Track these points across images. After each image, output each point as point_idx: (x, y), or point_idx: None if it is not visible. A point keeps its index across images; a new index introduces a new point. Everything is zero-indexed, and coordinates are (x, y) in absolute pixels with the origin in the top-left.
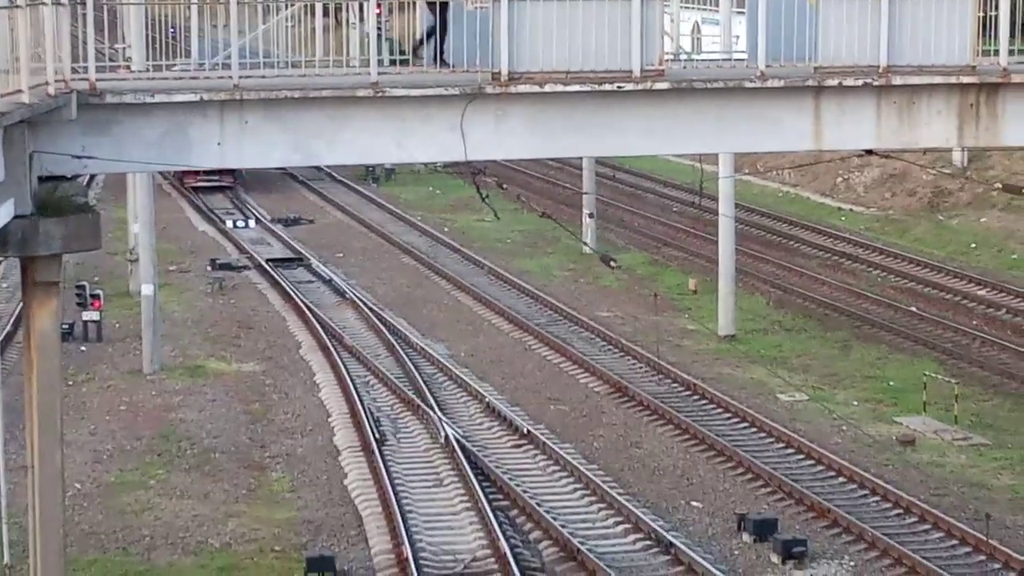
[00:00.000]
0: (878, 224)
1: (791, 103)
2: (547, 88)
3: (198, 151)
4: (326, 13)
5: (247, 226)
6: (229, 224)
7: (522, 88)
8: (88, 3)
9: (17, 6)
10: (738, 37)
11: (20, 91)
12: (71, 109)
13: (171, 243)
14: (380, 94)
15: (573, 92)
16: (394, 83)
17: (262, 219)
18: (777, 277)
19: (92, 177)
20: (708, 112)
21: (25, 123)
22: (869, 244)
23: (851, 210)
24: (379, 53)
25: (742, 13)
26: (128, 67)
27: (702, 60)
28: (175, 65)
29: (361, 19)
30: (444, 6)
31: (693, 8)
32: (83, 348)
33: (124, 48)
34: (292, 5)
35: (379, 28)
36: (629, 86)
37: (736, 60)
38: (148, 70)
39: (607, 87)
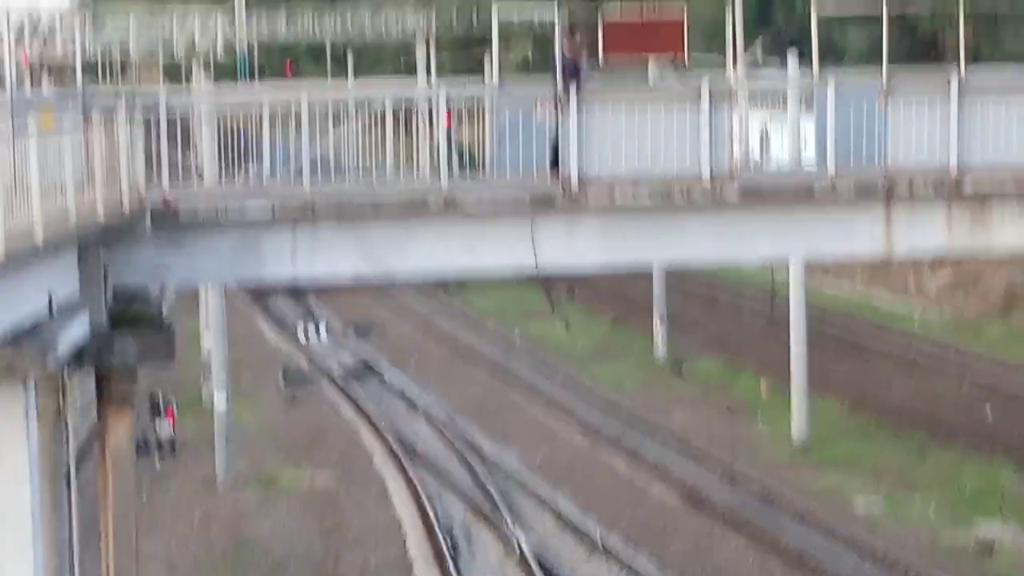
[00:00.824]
0: (951, 326)
1: (861, 209)
2: (618, 197)
3: (270, 264)
4: (396, 120)
5: (319, 336)
6: (300, 334)
7: (593, 197)
8: (162, 118)
9: (92, 122)
10: (806, 139)
11: (95, 207)
12: (145, 224)
13: (243, 352)
14: (451, 205)
15: (644, 203)
16: (465, 193)
17: (333, 328)
18: (850, 381)
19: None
20: (778, 218)
21: (100, 240)
22: (943, 346)
23: (924, 312)
24: (449, 162)
25: (812, 113)
26: (201, 177)
27: (770, 164)
28: (247, 175)
29: (431, 127)
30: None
31: (761, 109)
32: (156, 459)
33: (196, 160)
34: (363, 114)
35: (449, 137)
36: (699, 194)
37: (805, 164)
38: (220, 183)
39: (678, 196)
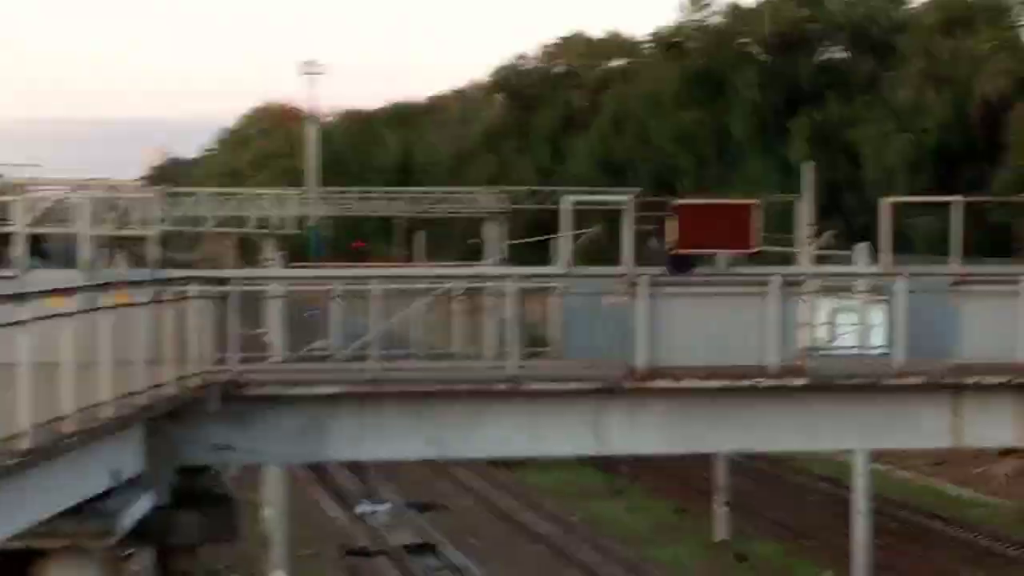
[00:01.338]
0: (1019, 516)
1: (929, 401)
2: (684, 383)
3: (335, 444)
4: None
5: (378, 512)
6: (360, 509)
7: (659, 383)
8: (232, 296)
9: (163, 301)
10: (875, 327)
11: (164, 384)
12: (214, 402)
13: (303, 527)
14: (517, 389)
15: (710, 388)
16: (531, 377)
17: (393, 502)
18: (915, 571)
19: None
20: (845, 408)
21: (168, 416)
22: (1009, 539)
23: (990, 502)
24: (517, 343)
25: (880, 302)
26: (268, 354)
27: (839, 353)
28: (315, 352)
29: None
30: None
31: (828, 295)
32: None
33: (264, 337)
34: (432, 293)
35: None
36: (767, 382)
37: (873, 352)
38: (287, 357)
39: (744, 383)
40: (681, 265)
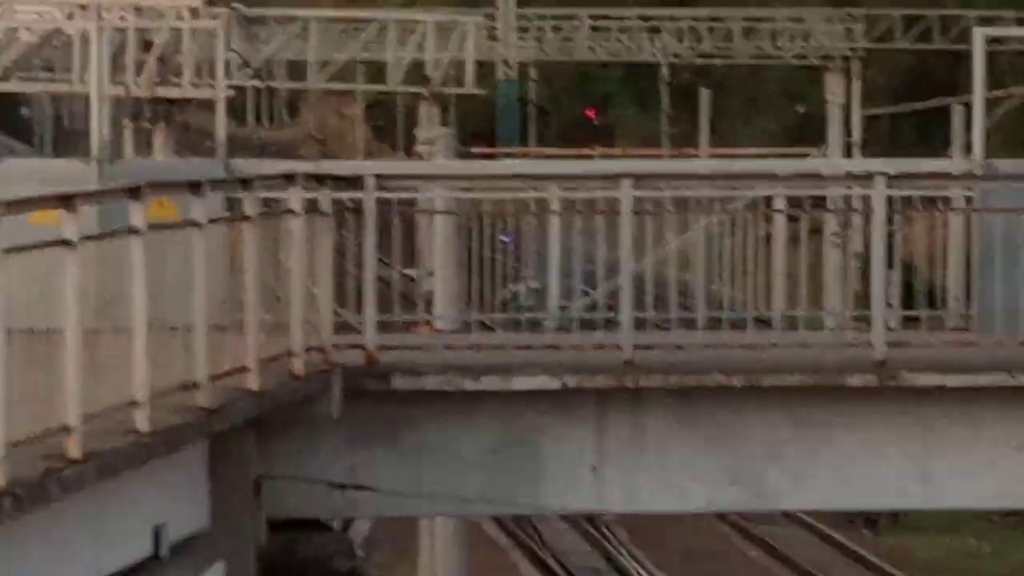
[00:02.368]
0: None
1: None
2: None
3: (556, 480)
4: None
5: None
6: None
7: None
8: (367, 208)
9: (242, 219)
10: None
11: (245, 369)
12: (332, 402)
13: None
14: (893, 383)
15: None
16: (914, 362)
17: None
18: None
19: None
20: None
21: (250, 428)
22: None
23: None
24: (883, 302)
25: None
26: (430, 324)
27: None
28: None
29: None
30: None
31: None
32: None
33: (422, 285)
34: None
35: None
36: None
37: None
38: (464, 325)
39: None
40: None
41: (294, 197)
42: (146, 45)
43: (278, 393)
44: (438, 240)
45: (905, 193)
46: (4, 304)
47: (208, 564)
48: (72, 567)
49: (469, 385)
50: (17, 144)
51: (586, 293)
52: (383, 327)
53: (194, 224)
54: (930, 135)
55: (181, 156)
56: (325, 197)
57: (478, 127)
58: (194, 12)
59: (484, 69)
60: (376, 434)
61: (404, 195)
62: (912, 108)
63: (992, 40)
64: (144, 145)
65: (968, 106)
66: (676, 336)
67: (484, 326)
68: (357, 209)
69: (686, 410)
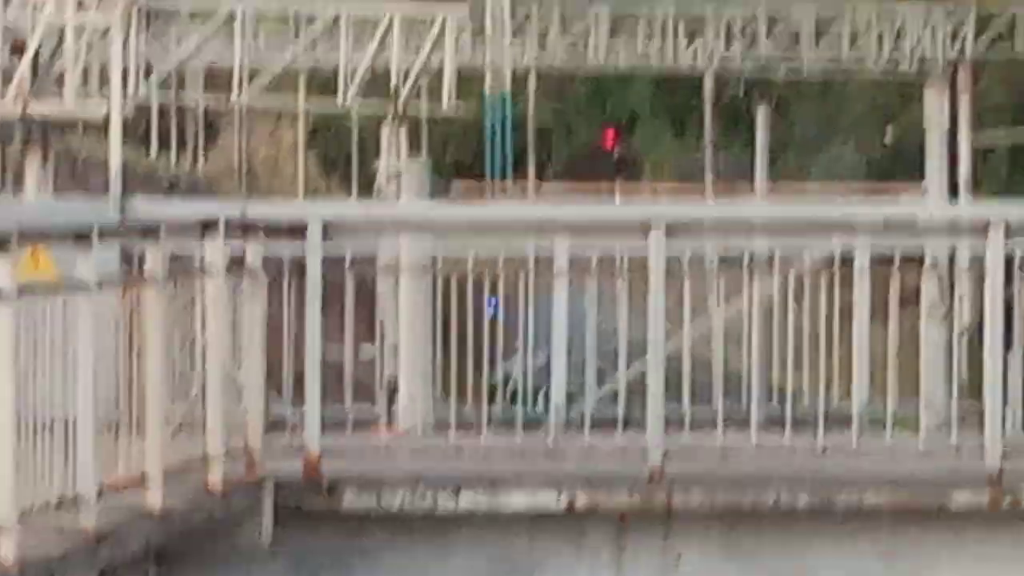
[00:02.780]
0: None
1: None
2: None
3: None
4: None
5: None
6: None
7: None
8: (311, 264)
9: (140, 282)
10: None
11: (146, 481)
12: (261, 526)
13: None
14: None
15: None
16: None
17: None
18: None
19: None
20: None
21: (153, 559)
22: None
23: None
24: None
25: None
26: (392, 422)
27: None
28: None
29: None
30: None
31: None
32: None
33: (381, 362)
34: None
35: None
36: None
37: None
38: (441, 423)
39: None
40: None
41: (213, 251)
42: (15, 47)
43: (189, 513)
44: (405, 309)
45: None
46: None
47: None
48: None
49: (445, 504)
50: None
51: (602, 381)
52: (331, 425)
53: (79, 286)
54: None
55: (62, 194)
56: (255, 251)
57: (460, 157)
58: (80, 3)
59: (469, 80)
60: (320, 568)
61: (360, 248)
62: None
63: None
64: (13, 179)
65: None
66: (721, 439)
67: (465, 424)
68: (298, 267)
69: (734, 539)
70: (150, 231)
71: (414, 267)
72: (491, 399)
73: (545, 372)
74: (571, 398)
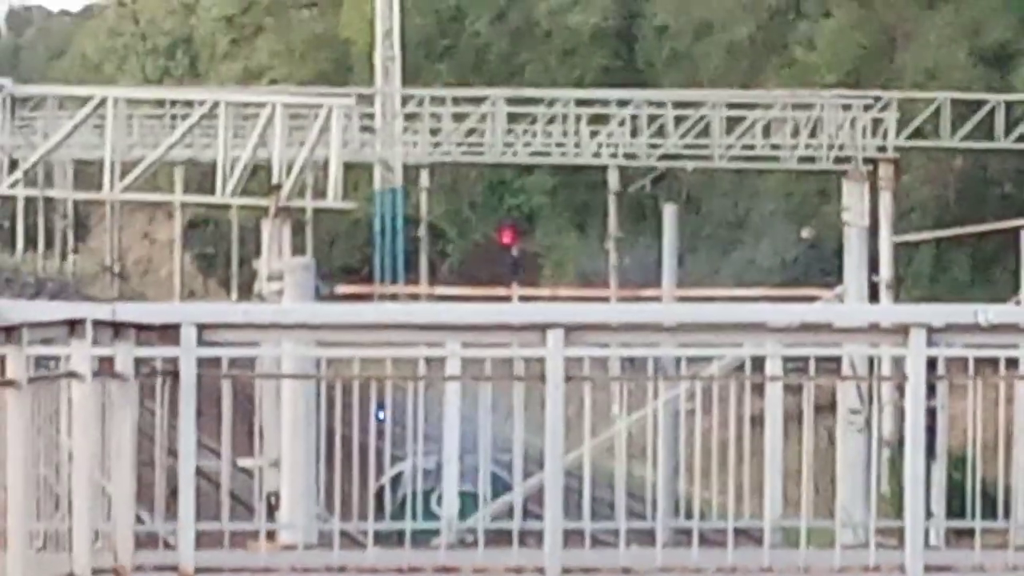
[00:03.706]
0: None
1: None
2: None
3: None
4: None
5: None
6: None
7: None
8: (185, 368)
9: (7, 382)
10: None
11: None
12: None
13: None
14: None
15: None
16: None
17: None
18: None
19: None
20: None
21: None
22: None
23: None
24: None
25: None
26: (273, 537)
27: None
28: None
29: None
30: None
31: None
32: None
33: (260, 480)
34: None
35: None
36: None
37: None
38: (325, 538)
39: None
40: None
41: (80, 354)
42: None
43: None
44: (287, 417)
45: (955, 352)
46: None
47: None
48: None
49: None
50: None
51: (497, 494)
52: (206, 540)
53: None
54: (989, 270)
55: None
56: (125, 354)
57: (347, 257)
58: None
59: (356, 174)
60: None
61: (239, 352)
62: (966, 232)
63: None
64: None
65: None
66: (625, 556)
67: (350, 539)
68: (172, 372)
69: None
70: (11, 332)
71: (297, 372)
72: (379, 505)
73: (436, 475)
74: (464, 504)
